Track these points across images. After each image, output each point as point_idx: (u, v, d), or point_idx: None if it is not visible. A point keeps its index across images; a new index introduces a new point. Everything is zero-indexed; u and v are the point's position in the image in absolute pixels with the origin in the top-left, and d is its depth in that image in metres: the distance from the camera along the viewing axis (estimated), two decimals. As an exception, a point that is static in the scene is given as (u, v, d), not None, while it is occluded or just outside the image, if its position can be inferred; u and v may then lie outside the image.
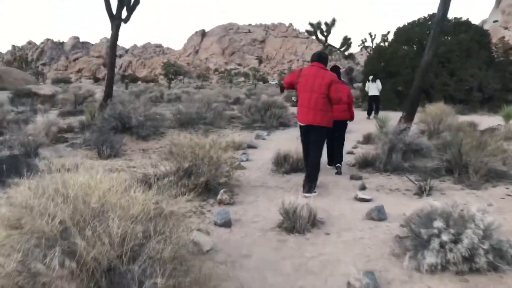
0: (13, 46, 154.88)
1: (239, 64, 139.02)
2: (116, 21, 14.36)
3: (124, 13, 14.56)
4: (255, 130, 12.78)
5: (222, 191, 5.43)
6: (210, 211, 5.05)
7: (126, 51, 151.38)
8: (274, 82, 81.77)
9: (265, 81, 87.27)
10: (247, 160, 8.42)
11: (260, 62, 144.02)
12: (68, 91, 25.85)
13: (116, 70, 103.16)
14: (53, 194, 2.88)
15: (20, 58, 76.54)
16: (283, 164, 7.26)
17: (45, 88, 33.72)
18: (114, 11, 14.49)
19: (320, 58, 6.18)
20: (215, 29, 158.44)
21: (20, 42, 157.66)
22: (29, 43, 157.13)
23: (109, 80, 14.74)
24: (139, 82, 77.45)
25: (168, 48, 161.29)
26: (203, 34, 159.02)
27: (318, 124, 5.89)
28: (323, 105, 5.85)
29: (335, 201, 5.57)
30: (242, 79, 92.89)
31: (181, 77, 70.10)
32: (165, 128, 11.53)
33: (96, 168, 7.60)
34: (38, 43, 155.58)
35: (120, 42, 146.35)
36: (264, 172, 7.35)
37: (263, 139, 11.37)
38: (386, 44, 33.28)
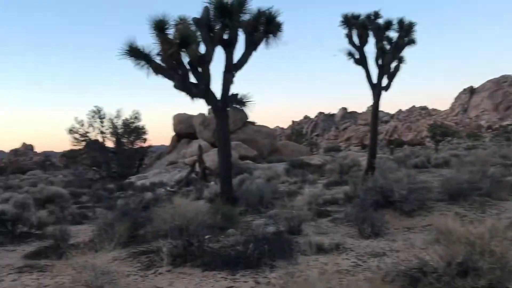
0: (293, 122, 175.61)
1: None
2: (376, 90, 14.21)
3: (384, 81, 14.33)
4: (551, 203, 10.17)
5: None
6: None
7: (392, 116, 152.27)
8: None
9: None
10: (544, 248, 6.44)
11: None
12: (335, 160, 26.80)
13: (382, 135, 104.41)
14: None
15: (297, 131, 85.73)
16: None
17: (315, 158, 36.21)
18: (374, 80, 14.41)
19: None
20: (485, 84, 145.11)
21: (298, 118, 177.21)
22: (305, 117, 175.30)
23: (371, 150, 14.46)
24: (405, 146, 75.98)
25: (433, 110, 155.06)
26: (471, 90, 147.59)
27: None
28: None
29: None
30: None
31: (449, 138, 65.60)
32: (432, 202, 10.23)
33: (354, 252, 7.06)
34: (312, 116, 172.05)
35: (385, 108, 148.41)
36: None
37: None
38: None
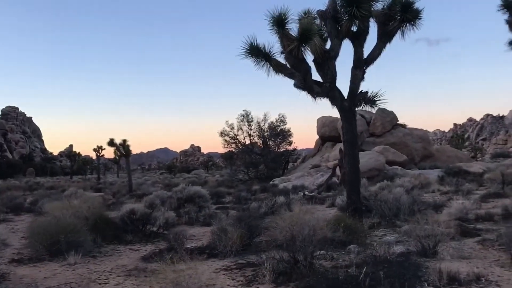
0: (454, 124, 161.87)
1: None
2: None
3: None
4: None
5: None
6: None
7: None
8: None
9: None
10: None
11: None
12: (496, 168, 23.25)
13: None
14: None
15: (457, 135, 78.19)
16: None
17: (475, 166, 32.07)
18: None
19: None
20: None
21: (461, 120, 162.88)
22: (469, 120, 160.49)
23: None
24: None
25: None
26: None
27: None
28: None
29: None
30: None
31: None
32: None
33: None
34: (477, 119, 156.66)
35: None
36: None
37: None
38: None
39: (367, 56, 10.13)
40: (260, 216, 12.15)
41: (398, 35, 10.19)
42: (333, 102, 9.95)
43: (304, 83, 9.50)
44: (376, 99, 10.10)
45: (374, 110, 10.59)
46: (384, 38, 10.11)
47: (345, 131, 9.99)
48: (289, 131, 42.61)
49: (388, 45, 10.28)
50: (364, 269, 5.82)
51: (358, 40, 10.02)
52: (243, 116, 41.33)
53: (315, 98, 9.87)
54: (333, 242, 8.16)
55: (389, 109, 38.65)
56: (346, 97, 9.99)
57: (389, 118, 38.08)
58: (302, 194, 20.68)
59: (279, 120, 41.96)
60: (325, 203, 17.56)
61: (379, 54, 10.18)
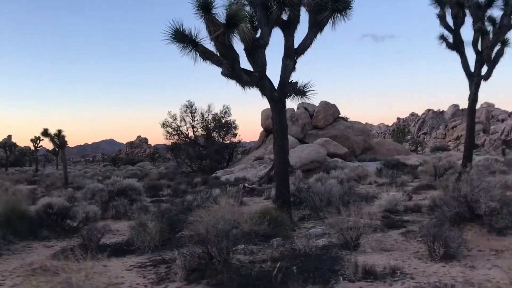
0: (398, 119, 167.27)
1: None
2: (474, 79, 11.88)
3: (484, 69, 11.94)
4: None
5: None
6: None
7: (510, 114, 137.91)
8: None
9: None
10: None
11: None
12: (431, 161, 23.99)
13: (497, 135, 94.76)
14: None
15: (398, 129, 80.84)
16: None
17: (413, 158, 33.11)
18: (472, 68, 12.08)
19: None
20: None
21: (404, 115, 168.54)
22: (412, 114, 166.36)
23: (467, 151, 12.15)
24: (525, 147, 67.89)
25: None
26: None
27: None
28: None
29: None
30: None
31: None
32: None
33: (414, 281, 5.35)
34: (419, 114, 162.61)
35: (502, 105, 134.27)
36: None
37: None
38: None
39: (298, 46, 9.92)
40: (191, 209, 11.75)
41: (329, 25, 10.01)
42: (263, 91, 9.67)
43: (232, 72, 9.14)
44: (306, 89, 9.92)
45: (306, 101, 10.40)
46: (315, 27, 9.92)
47: (275, 121, 9.75)
48: (234, 123, 42.13)
49: (319, 34, 10.10)
50: (278, 264, 5.57)
51: (288, 29, 9.78)
52: (187, 107, 40.35)
53: (244, 87, 9.55)
54: (258, 235, 7.91)
55: (332, 102, 39.20)
56: (276, 87, 9.74)
57: (331, 111, 38.60)
58: (242, 186, 20.41)
59: (223, 112, 41.38)
60: (263, 195, 17.44)
61: (310, 44, 9.99)
